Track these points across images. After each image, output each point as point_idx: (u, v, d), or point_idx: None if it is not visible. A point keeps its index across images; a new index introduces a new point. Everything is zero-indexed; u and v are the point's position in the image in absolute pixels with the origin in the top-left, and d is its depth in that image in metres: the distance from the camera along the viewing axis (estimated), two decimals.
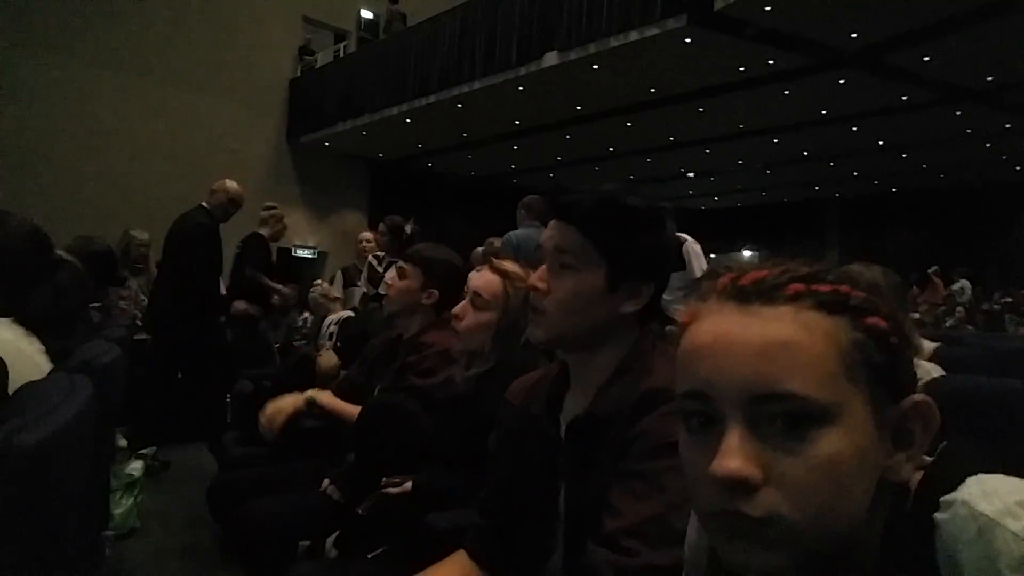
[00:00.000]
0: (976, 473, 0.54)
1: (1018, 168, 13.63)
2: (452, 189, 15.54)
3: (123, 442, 3.99)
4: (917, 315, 8.54)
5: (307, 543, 2.10)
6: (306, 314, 5.41)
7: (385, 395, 2.09)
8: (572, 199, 1.09)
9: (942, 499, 0.53)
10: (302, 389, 3.17)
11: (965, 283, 11.34)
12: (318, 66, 13.50)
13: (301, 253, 13.64)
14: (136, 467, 3.32)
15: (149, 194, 10.55)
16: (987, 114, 10.13)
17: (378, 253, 5.27)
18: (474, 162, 14.68)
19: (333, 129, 12.58)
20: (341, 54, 13.60)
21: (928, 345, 2.37)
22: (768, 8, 6.91)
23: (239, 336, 5.13)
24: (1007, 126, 10.78)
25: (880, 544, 0.56)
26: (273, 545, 1.93)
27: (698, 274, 3.71)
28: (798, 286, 0.57)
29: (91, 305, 3.20)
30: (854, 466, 0.53)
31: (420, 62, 10.75)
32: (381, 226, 5.26)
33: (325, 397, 2.23)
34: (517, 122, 11.57)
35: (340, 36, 14.48)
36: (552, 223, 1.11)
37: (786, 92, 9.40)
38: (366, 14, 14.35)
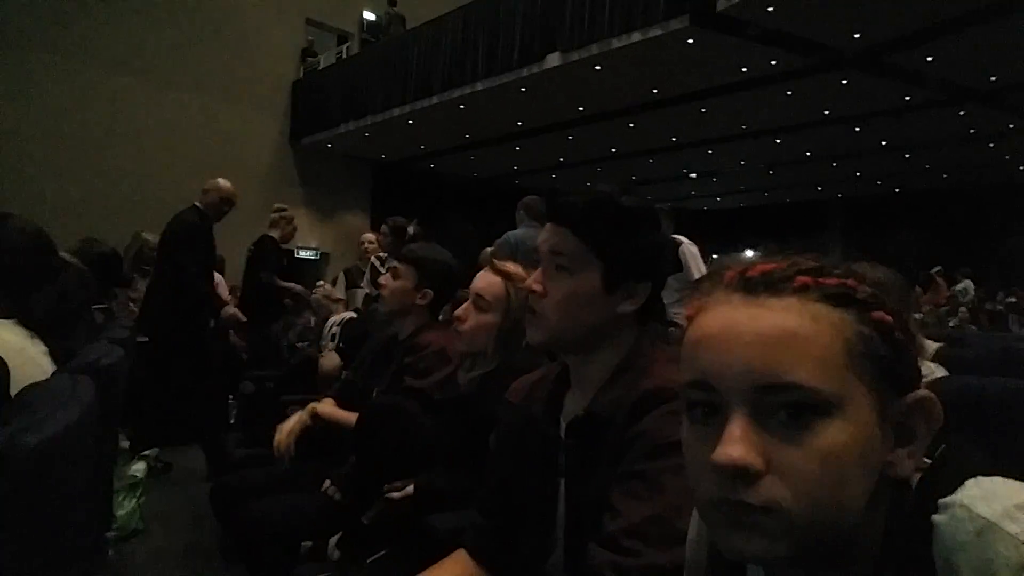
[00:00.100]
0: (975, 475, 0.54)
1: (1021, 168, 13.59)
2: (454, 190, 15.55)
3: (125, 443, 3.99)
4: (920, 315, 8.52)
5: (309, 544, 2.10)
6: (309, 315, 5.42)
7: (383, 397, 2.09)
8: (565, 201, 1.10)
9: (941, 501, 0.53)
10: (305, 390, 3.18)
11: (968, 283, 11.30)
12: (321, 67, 13.52)
13: (303, 254, 13.66)
14: (139, 468, 3.32)
15: (151, 195, 10.56)
16: (990, 115, 10.11)
17: (380, 254, 5.27)
18: (476, 163, 14.68)
19: (336, 130, 12.60)
20: (344, 56, 13.63)
21: (931, 345, 2.37)
22: (770, 9, 6.90)
23: (252, 338, 5.14)
24: (1010, 126, 10.75)
25: (880, 543, 0.56)
26: (275, 546, 1.93)
27: (696, 275, 3.69)
28: (805, 279, 0.58)
29: (94, 307, 3.21)
30: (855, 459, 0.53)
31: (422, 63, 10.76)
32: (383, 227, 5.27)
33: (325, 408, 2.24)
34: (519, 123, 11.57)
35: (343, 38, 14.51)
36: (547, 226, 1.12)
37: (789, 93, 9.39)
38: (369, 16, 14.37)
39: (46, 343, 1.51)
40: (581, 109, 10.59)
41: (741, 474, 0.53)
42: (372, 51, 12.60)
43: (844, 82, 8.90)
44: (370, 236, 5.75)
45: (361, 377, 2.41)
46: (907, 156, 13.03)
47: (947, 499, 0.53)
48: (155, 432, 4.11)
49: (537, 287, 1.09)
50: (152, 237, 5.14)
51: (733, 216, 19.56)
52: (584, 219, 1.07)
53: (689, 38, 7.55)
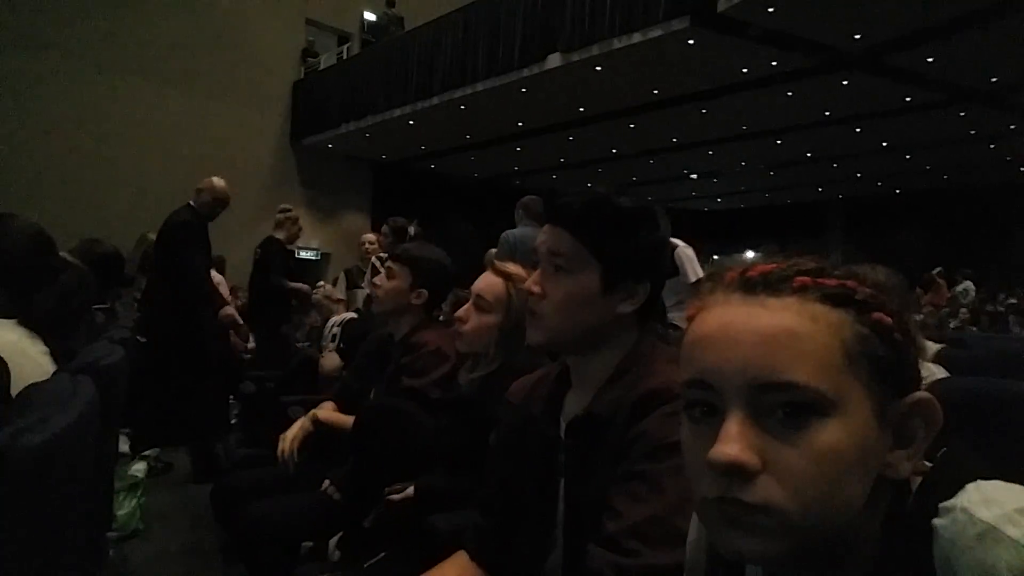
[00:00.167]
0: (975, 479, 0.54)
1: (1022, 169, 13.59)
2: (455, 190, 15.55)
3: (126, 444, 3.99)
4: (920, 316, 8.51)
5: (309, 544, 2.10)
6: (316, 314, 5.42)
7: (382, 398, 2.09)
8: (563, 202, 1.10)
9: (941, 505, 0.53)
10: (305, 391, 3.18)
11: (969, 285, 11.30)
12: (321, 68, 13.53)
13: (304, 255, 13.66)
14: (139, 468, 3.32)
15: (152, 195, 10.55)
16: (991, 115, 10.11)
17: (381, 255, 5.27)
18: (477, 164, 14.69)
19: (336, 131, 12.60)
20: (344, 56, 13.63)
21: (932, 346, 2.37)
22: (771, 9, 6.90)
23: (263, 340, 5.14)
24: (1011, 127, 10.75)
25: (879, 546, 0.56)
26: (275, 546, 1.93)
27: (692, 279, 3.64)
28: (804, 279, 0.58)
29: (95, 307, 3.21)
30: (852, 459, 0.53)
31: (423, 64, 10.77)
32: (384, 227, 5.26)
33: (325, 413, 2.24)
34: (520, 123, 11.57)
35: (343, 38, 14.51)
36: (546, 227, 1.12)
37: (789, 93, 9.39)
38: (369, 16, 14.37)
39: (47, 343, 1.51)
40: (582, 109, 10.59)
41: (737, 472, 0.53)
42: (373, 51, 12.60)
43: (845, 83, 8.90)
44: (371, 236, 5.74)
45: (357, 378, 2.41)
46: (908, 157, 13.04)
47: (948, 503, 0.53)
48: (155, 432, 4.12)
49: (536, 288, 1.10)
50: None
51: (734, 217, 19.56)
52: (581, 220, 1.07)
53: (690, 39, 7.55)
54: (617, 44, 7.93)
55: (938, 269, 11.60)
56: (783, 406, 0.54)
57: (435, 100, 10.60)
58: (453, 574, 1.20)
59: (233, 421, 5.04)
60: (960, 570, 0.51)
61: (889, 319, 0.57)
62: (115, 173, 11.29)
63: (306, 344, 5.00)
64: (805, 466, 0.52)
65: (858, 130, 11.18)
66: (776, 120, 10.81)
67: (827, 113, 10.37)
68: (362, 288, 5.40)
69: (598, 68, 8.62)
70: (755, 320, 0.56)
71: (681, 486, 0.61)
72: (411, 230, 5.27)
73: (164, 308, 4.13)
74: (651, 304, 1.11)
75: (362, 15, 14.51)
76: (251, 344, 6.02)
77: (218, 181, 4.39)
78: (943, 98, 9.50)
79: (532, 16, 8.98)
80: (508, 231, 4.39)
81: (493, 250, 4.64)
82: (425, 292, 2.19)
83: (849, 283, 0.58)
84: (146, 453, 3.66)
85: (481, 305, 1.75)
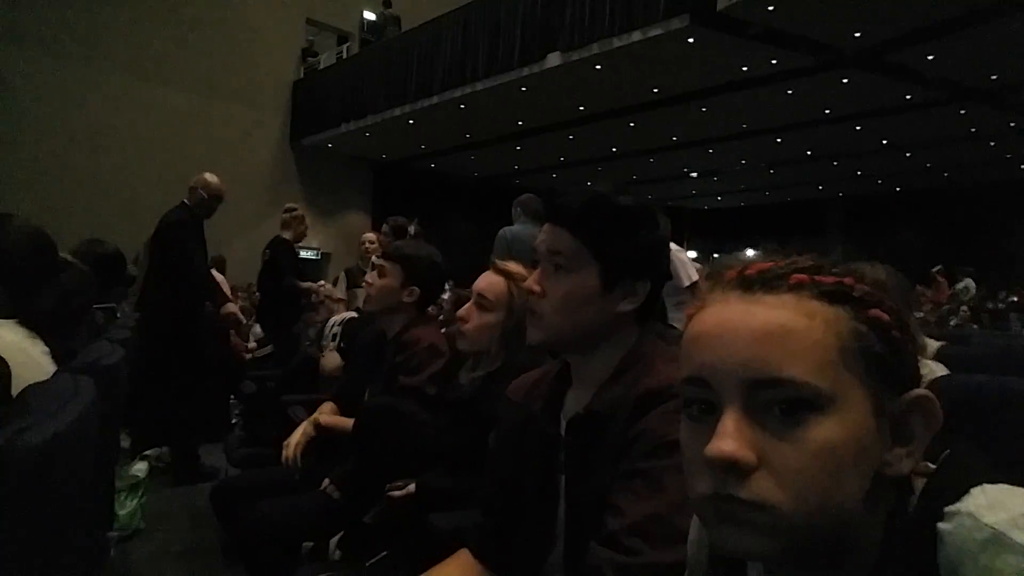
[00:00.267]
0: (981, 483, 0.53)
1: (1022, 167, 13.59)
2: (455, 190, 15.55)
3: (127, 443, 3.99)
4: (921, 314, 8.51)
5: (310, 544, 2.10)
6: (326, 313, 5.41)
7: (381, 398, 2.09)
8: (562, 201, 1.10)
9: (946, 509, 0.53)
10: (306, 390, 3.18)
11: (969, 282, 11.30)
12: (321, 68, 13.54)
13: (304, 254, 13.66)
14: (140, 468, 3.32)
15: (152, 195, 10.55)
16: (991, 113, 10.11)
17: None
18: (477, 163, 14.69)
19: (336, 130, 12.60)
20: (344, 56, 13.64)
21: (932, 344, 2.36)
22: (771, 8, 6.90)
23: (278, 340, 5.14)
24: (1011, 125, 10.75)
25: (880, 548, 0.56)
26: (276, 546, 1.93)
27: (686, 283, 3.61)
28: (801, 276, 0.58)
29: (96, 306, 3.21)
30: (849, 456, 0.53)
31: (423, 63, 10.77)
32: (384, 227, 5.26)
33: (326, 418, 2.25)
34: (520, 123, 11.57)
35: (343, 38, 14.52)
36: (546, 226, 1.12)
37: (789, 92, 9.39)
38: (369, 16, 14.38)
39: (47, 343, 1.51)
40: (582, 108, 10.60)
41: (733, 468, 0.53)
42: (372, 51, 12.61)
43: (845, 81, 8.90)
44: (371, 236, 5.74)
45: (354, 377, 2.41)
46: (908, 155, 13.03)
47: (953, 507, 0.53)
48: (155, 432, 4.12)
49: (536, 287, 1.10)
50: None
51: (734, 215, 19.55)
52: (580, 219, 1.08)
53: (690, 37, 7.55)
54: (617, 43, 7.93)
55: (938, 267, 11.62)
56: (779, 403, 0.54)
57: (435, 99, 10.60)
58: (454, 573, 1.20)
59: (234, 421, 5.04)
60: (966, 575, 0.50)
61: (887, 316, 0.57)
62: (114, 173, 11.29)
63: (306, 344, 5.00)
64: (801, 462, 0.52)
65: (858, 128, 11.18)
66: (776, 118, 10.81)
67: (827, 111, 10.38)
68: (362, 288, 5.39)
69: (598, 67, 8.62)
70: (751, 317, 0.56)
71: (682, 484, 0.60)
72: (411, 229, 5.27)
73: (161, 308, 4.12)
74: (651, 303, 1.11)
75: (362, 14, 14.52)
76: (252, 344, 6.02)
77: (211, 177, 4.35)
78: (943, 96, 9.50)
79: (532, 15, 8.99)
80: (504, 228, 4.39)
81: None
82: (417, 290, 2.19)
83: (846, 280, 0.58)
84: (147, 452, 3.66)
85: (483, 304, 1.75)
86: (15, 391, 1.18)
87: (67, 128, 10.98)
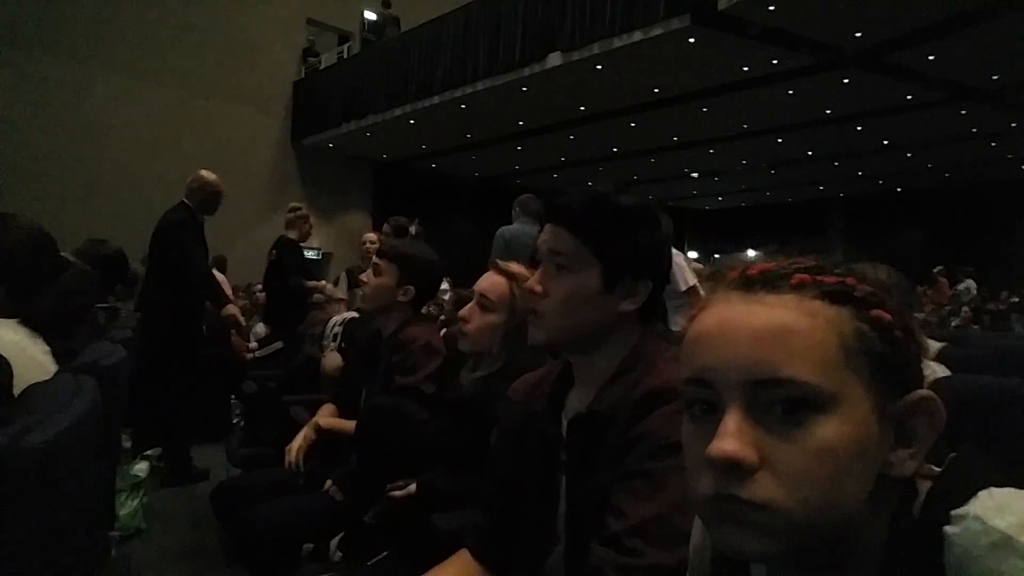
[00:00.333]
0: (987, 486, 0.53)
1: (1023, 167, 13.59)
2: (456, 190, 15.55)
3: (128, 443, 3.99)
4: (922, 315, 8.51)
5: (311, 545, 2.10)
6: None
7: (380, 398, 2.09)
8: (563, 201, 1.10)
9: (953, 513, 0.52)
10: (307, 390, 3.18)
11: (970, 283, 11.30)
12: (322, 68, 13.53)
13: (306, 254, 13.66)
14: (141, 468, 3.32)
15: (154, 196, 10.55)
16: (992, 113, 10.11)
17: None
18: (478, 163, 14.69)
19: (337, 130, 12.60)
20: (345, 56, 13.64)
21: (933, 345, 2.36)
22: (772, 7, 6.90)
23: (287, 340, 5.14)
24: (1012, 125, 10.75)
25: (884, 550, 0.56)
26: (277, 547, 1.93)
27: (682, 287, 3.61)
28: (803, 276, 0.58)
29: (98, 306, 3.21)
30: (852, 456, 0.53)
31: (424, 63, 10.77)
32: (385, 227, 5.26)
33: (327, 420, 2.25)
34: (521, 123, 11.57)
35: (344, 38, 14.51)
36: (547, 226, 1.12)
37: (790, 92, 9.38)
38: (370, 15, 14.37)
39: (48, 343, 1.51)
40: (582, 108, 10.59)
41: (735, 468, 0.52)
42: (373, 51, 12.61)
43: (845, 81, 8.89)
44: (372, 236, 5.74)
45: (353, 377, 2.41)
46: (909, 155, 13.03)
47: (960, 511, 0.52)
48: (155, 432, 4.11)
49: (537, 287, 1.10)
50: None
51: (735, 216, 19.55)
52: (581, 218, 1.08)
53: (690, 37, 7.55)
54: (618, 43, 7.93)
55: (939, 267, 11.62)
56: (781, 402, 0.54)
57: (436, 99, 10.60)
58: (455, 573, 1.20)
59: (235, 421, 5.04)
60: None
61: (888, 316, 0.57)
62: (115, 173, 11.29)
63: (308, 344, 5.00)
64: (803, 463, 0.52)
65: (859, 128, 11.17)
66: (777, 118, 10.81)
67: (828, 111, 10.37)
68: None
69: (599, 67, 8.62)
70: (753, 317, 0.56)
71: (683, 485, 0.60)
72: (412, 229, 5.27)
73: (162, 308, 4.12)
74: (653, 303, 1.11)
75: (363, 14, 14.52)
76: (253, 344, 6.02)
77: (208, 174, 4.33)
78: (944, 96, 9.50)
79: (532, 15, 8.98)
80: (503, 227, 4.38)
81: None
82: (412, 289, 2.18)
83: (848, 280, 0.58)
84: (148, 453, 3.67)
85: (485, 304, 1.75)
86: (16, 391, 1.18)
87: (67, 128, 10.98)
